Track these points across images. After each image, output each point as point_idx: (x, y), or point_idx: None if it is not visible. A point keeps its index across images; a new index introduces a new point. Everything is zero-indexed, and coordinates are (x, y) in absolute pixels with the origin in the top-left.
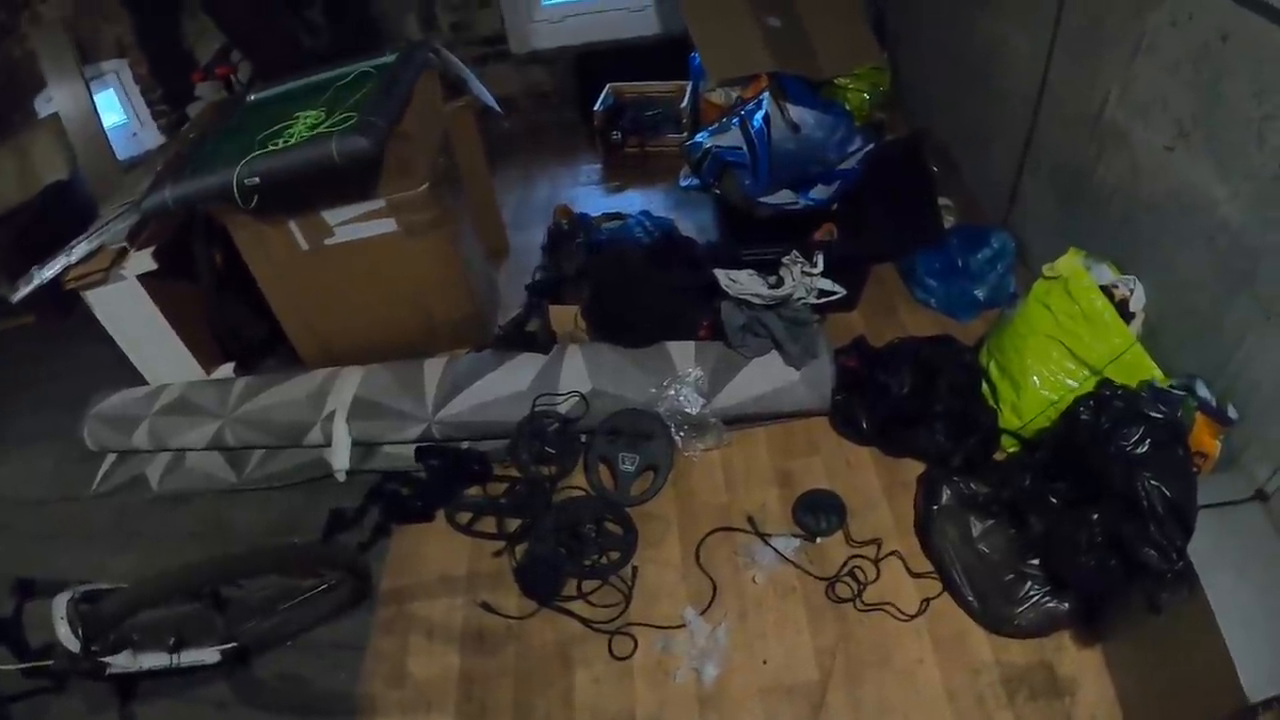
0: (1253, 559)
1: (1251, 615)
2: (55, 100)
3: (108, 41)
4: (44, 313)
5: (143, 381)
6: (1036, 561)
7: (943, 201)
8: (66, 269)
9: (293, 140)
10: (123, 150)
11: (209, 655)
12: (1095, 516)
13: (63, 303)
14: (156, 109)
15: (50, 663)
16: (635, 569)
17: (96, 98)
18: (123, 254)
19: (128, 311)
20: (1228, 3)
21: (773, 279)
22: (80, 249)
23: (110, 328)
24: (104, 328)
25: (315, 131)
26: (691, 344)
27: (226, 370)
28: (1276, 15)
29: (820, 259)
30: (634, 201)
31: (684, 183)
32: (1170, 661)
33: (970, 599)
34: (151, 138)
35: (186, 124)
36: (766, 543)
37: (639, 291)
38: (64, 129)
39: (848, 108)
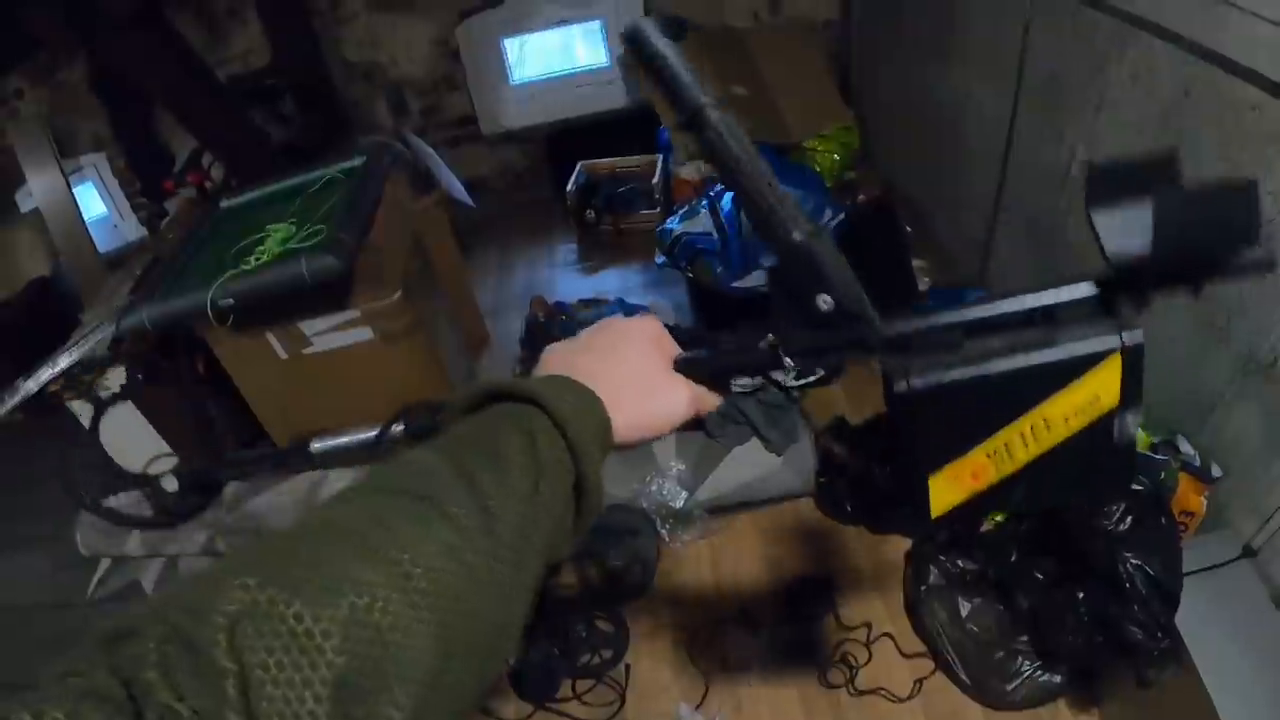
0: (1243, 620)
1: (1241, 679)
2: (34, 194)
3: (85, 136)
4: (32, 412)
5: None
6: (1026, 638)
7: (916, 263)
8: (51, 380)
9: (265, 258)
10: (105, 243)
11: None
12: (1080, 595)
13: (50, 403)
14: (136, 201)
15: None
16: (628, 666)
17: (76, 191)
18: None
19: (113, 420)
20: (1188, 56)
21: None
22: (64, 360)
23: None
24: None
25: (286, 248)
26: (672, 436)
27: None
28: (1238, 68)
29: None
30: (611, 280)
31: (659, 260)
32: None
33: (964, 678)
34: (132, 229)
35: (166, 218)
36: (757, 632)
37: None
38: (44, 224)
39: (818, 170)
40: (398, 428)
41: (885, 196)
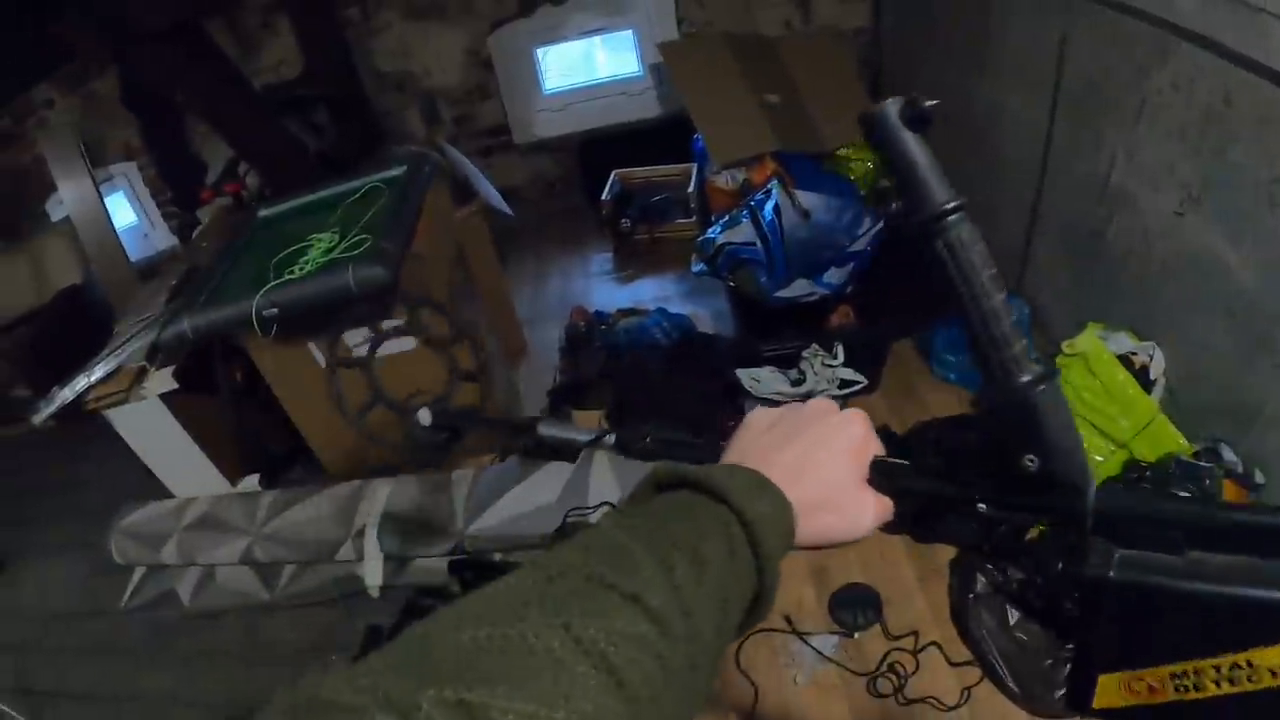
0: None
1: None
2: (66, 203)
3: (116, 145)
4: (66, 419)
5: (167, 491)
6: (1074, 646)
7: None
8: (87, 389)
9: (309, 267)
10: (136, 251)
11: None
12: None
13: (82, 411)
14: (167, 210)
15: None
16: None
17: (107, 200)
18: (142, 373)
19: (150, 429)
20: (1228, 65)
21: (794, 373)
22: (99, 369)
23: (133, 444)
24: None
25: (330, 258)
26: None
27: (252, 482)
28: (1278, 77)
29: (840, 350)
30: (648, 290)
31: (696, 268)
32: None
33: (1011, 685)
34: (163, 238)
35: (198, 227)
36: (805, 641)
37: (662, 398)
38: (75, 233)
39: (852, 179)
40: (610, 438)
41: None
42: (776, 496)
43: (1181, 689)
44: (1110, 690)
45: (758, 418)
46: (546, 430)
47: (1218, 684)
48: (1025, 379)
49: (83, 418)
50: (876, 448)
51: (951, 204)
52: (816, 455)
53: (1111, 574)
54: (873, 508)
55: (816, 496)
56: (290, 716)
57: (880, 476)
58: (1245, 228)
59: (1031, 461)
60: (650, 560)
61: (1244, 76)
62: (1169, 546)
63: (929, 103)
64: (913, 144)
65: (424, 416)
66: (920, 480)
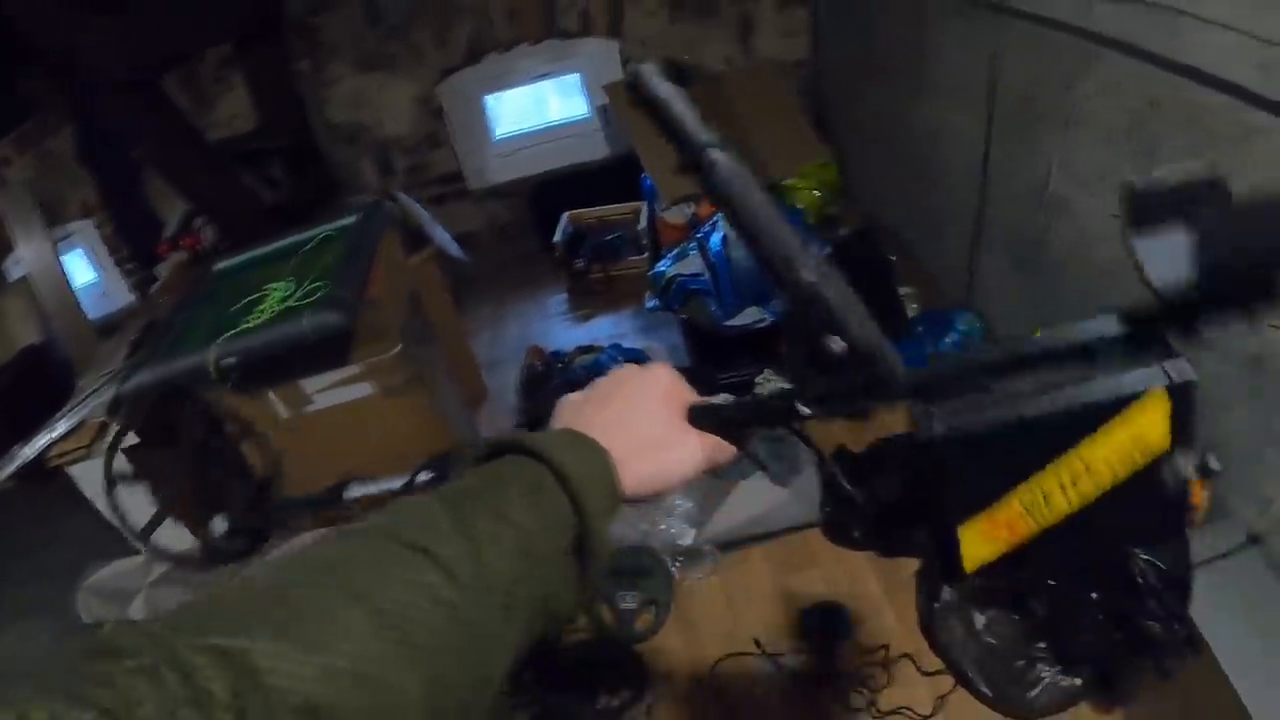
0: (1255, 606)
1: (1260, 662)
2: (23, 262)
3: (73, 203)
4: (29, 478)
5: (133, 547)
6: (1044, 644)
7: (903, 290)
8: (49, 446)
9: (265, 316)
10: (94, 309)
11: None
12: (1094, 596)
13: (45, 468)
14: (125, 267)
15: None
16: (650, 706)
17: (65, 258)
18: (104, 428)
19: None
20: (1152, 69)
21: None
22: (62, 425)
23: (96, 500)
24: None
25: (286, 305)
26: None
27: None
28: (1201, 76)
29: None
30: (604, 328)
31: (650, 304)
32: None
33: (984, 690)
34: (122, 295)
35: (156, 283)
36: (776, 662)
37: None
38: (34, 291)
39: (800, 207)
40: (424, 476)
41: (867, 226)
42: (592, 447)
43: (1037, 515)
44: (974, 545)
45: (570, 398)
46: (354, 492)
47: (1066, 495)
48: (810, 273)
49: (46, 476)
50: (689, 394)
51: (712, 139)
52: (631, 409)
53: (937, 429)
54: (698, 446)
55: (636, 443)
56: (81, 656)
57: (700, 417)
58: None
59: (836, 344)
60: (444, 514)
61: (1168, 78)
62: (977, 387)
63: (685, 59)
64: (675, 94)
65: (218, 525)
66: (736, 407)
